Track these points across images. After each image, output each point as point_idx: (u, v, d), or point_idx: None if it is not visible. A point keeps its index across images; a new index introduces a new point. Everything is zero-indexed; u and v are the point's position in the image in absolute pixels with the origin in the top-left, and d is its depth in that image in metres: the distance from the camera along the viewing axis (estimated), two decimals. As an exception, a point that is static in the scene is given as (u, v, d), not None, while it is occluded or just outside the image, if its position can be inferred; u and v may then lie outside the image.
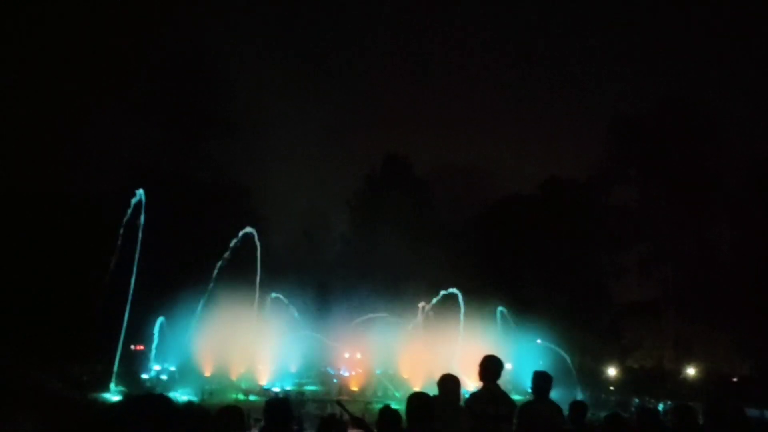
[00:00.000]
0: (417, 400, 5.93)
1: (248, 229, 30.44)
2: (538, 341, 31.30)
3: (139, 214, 27.05)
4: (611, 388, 25.52)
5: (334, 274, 38.11)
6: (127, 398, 2.47)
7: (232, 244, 29.81)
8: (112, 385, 24.63)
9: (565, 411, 7.76)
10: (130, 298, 25.96)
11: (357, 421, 6.40)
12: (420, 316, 30.00)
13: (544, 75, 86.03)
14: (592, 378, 27.21)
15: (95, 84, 40.96)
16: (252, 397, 22.13)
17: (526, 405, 7.65)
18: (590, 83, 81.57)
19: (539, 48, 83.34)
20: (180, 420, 2.33)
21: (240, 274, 29.93)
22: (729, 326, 40.62)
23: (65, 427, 2.34)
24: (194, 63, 42.77)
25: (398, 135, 79.05)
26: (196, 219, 34.38)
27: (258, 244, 30.00)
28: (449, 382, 6.92)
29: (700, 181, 42.70)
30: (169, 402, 2.45)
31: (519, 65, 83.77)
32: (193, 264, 29.48)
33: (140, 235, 26.68)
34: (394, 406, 6.94)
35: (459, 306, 30.06)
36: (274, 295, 29.44)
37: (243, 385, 25.31)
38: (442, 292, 30.31)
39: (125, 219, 26.86)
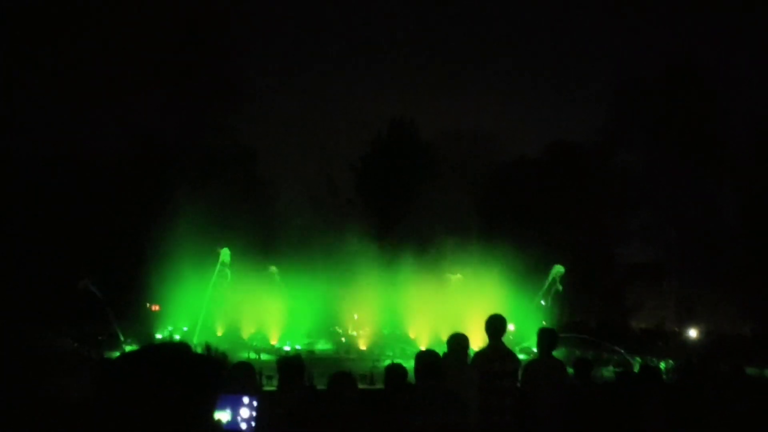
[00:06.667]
0: (425, 357, 6.17)
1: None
2: (542, 302, 31.77)
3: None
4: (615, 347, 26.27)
5: (339, 238, 38.56)
6: (145, 347, 2.45)
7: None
8: (126, 345, 25.16)
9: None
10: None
11: None
12: (424, 278, 30.46)
13: (549, 38, 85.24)
14: (596, 337, 27.75)
15: (99, 46, 40.89)
16: (264, 356, 22.75)
17: (531, 362, 8.12)
18: (596, 47, 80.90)
19: (545, 11, 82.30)
20: (199, 368, 2.33)
21: (250, 236, 30.47)
22: (731, 288, 41.15)
23: (86, 383, 2.30)
24: (200, 26, 42.61)
25: (404, 99, 78.96)
26: (203, 181, 34.76)
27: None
28: (459, 340, 7.25)
29: (705, 145, 42.74)
30: (188, 349, 2.47)
31: (525, 29, 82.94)
32: (202, 227, 29.88)
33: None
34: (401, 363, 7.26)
35: (463, 267, 30.54)
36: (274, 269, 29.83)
37: (254, 344, 25.91)
38: (446, 246, 30.62)
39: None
